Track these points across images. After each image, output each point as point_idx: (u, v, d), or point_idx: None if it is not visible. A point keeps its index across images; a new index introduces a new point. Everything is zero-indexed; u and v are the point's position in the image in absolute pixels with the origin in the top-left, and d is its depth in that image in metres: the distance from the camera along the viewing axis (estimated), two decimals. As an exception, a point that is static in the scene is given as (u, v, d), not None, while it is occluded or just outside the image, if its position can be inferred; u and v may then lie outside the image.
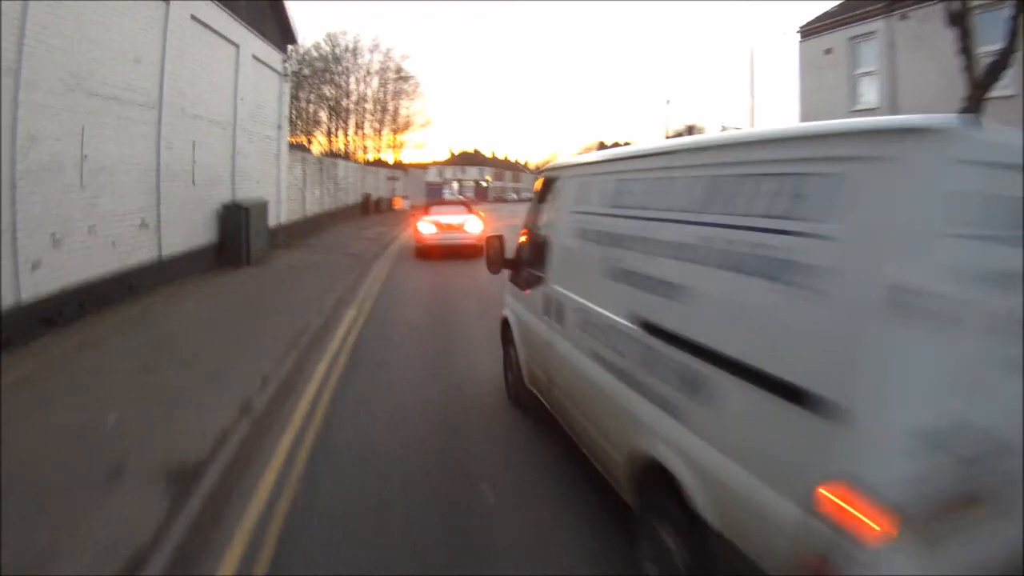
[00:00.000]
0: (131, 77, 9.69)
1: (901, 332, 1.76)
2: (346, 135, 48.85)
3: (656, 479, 2.85)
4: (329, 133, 48.18)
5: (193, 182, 11.96)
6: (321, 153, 38.50)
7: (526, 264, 5.38)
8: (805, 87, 18.57)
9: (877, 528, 1.76)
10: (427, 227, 16.21)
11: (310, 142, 44.87)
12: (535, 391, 5.10)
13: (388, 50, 62.06)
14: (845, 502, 1.82)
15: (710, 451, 2.49)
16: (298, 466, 4.69)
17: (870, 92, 16.15)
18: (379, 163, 48.86)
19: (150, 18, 10.12)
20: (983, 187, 1.82)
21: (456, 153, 76.88)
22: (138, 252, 10.03)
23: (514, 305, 5.67)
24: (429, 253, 15.84)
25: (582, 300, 3.93)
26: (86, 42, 8.46)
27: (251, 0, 14.77)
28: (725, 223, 2.56)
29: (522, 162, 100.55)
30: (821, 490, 1.89)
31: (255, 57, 15.44)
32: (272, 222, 16.96)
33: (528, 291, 5.19)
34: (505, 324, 5.87)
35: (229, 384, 6.06)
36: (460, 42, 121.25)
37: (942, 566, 1.81)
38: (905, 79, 14.71)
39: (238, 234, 13.10)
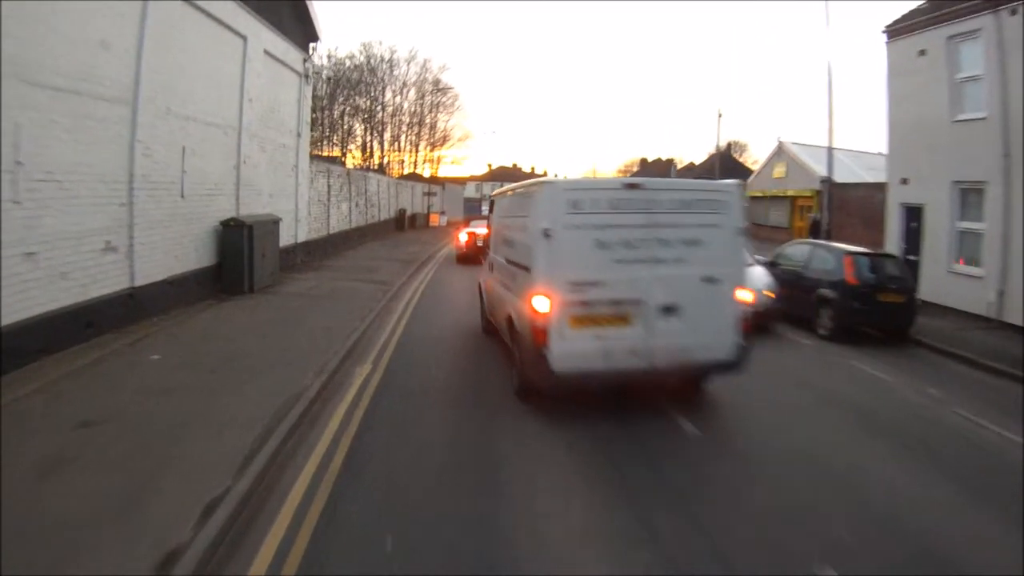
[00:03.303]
0: (94, 65, 7.72)
1: (544, 244, 5.75)
2: (381, 148, 47.50)
3: (511, 323, 6.78)
4: (364, 147, 46.89)
5: (182, 195, 9.98)
6: (355, 167, 36.93)
7: (486, 248, 9.75)
8: (894, 94, 15.68)
9: (546, 304, 5.71)
10: (465, 237, 19.95)
11: (344, 155, 43.51)
12: (490, 319, 8.87)
13: (426, 61, 61.07)
14: (536, 298, 5.77)
15: (517, 301, 6.50)
16: None
17: (975, 100, 13.25)
18: (415, 177, 47.25)
19: (121, -7, 8.19)
20: (565, 198, 5.80)
21: (494, 168, 74.73)
22: (101, 282, 8.02)
23: (481, 272, 9.76)
24: (466, 259, 19.20)
25: (497, 257, 8.13)
26: (20, 17, 6.51)
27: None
28: (516, 215, 7.12)
29: (562, 177, 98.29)
30: (529, 296, 5.91)
31: (268, 53, 13.54)
32: (288, 241, 15.02)
33: (484, 262, 9.60)
34: (479, 286, 9.90)
35: (155, 515, 3.84)
36: (501, 53, 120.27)
37: (580, 333, 5.76)
38: (1020, 84, 11.89)
39: (239, 256, 11.08)
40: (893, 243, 15.48)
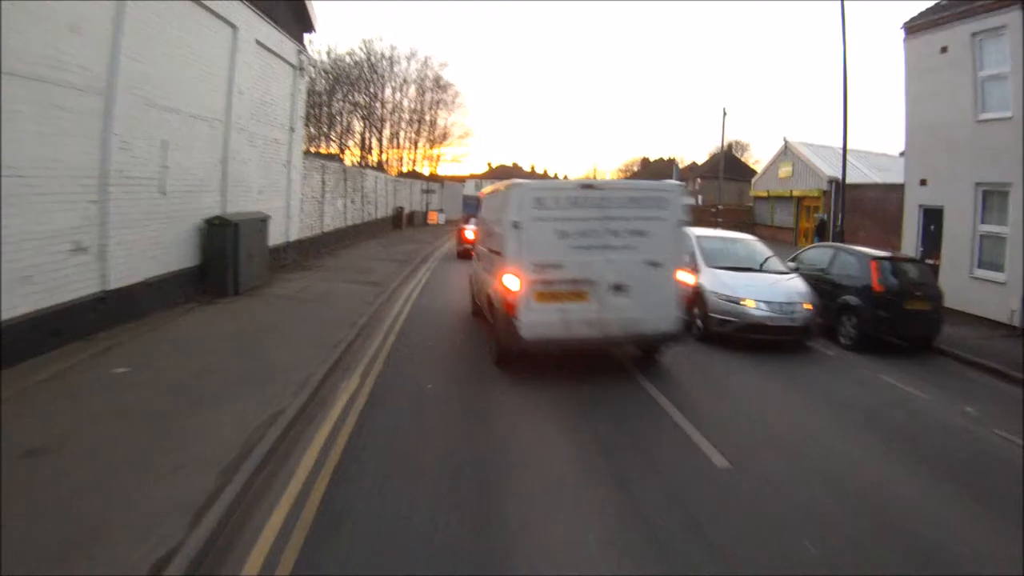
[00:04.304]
0: (64, 51, 7.08)
1: (514, 233, 7.03)
2: (380, 145, 46.82)
3: (490, 301, 7.99)
4: (363, 144, 46.21)
5: (163, 192, 9.34)
6: (353, 163, 36.24)
7: (475, 242, 11.52)
8: (913, 92, 15.06)
9: (516, 283, 7.00)
10: (465, 233, 20.38)
11: (343, 151, 42.83)
12: (478, 303, 9.84)
13: (426, 58, 60.43)
14: (507, 278, 7.09)
15: (494, 281, 7.64)
16: None
17: (1000, 98, 12.62)
18: (414, 175, 46.56)
19: (94, -27, 7.54)
20: (531, 196, 7.10)
21: (494, 166, 73.87)
22: (70, 286, 7.38)
23: (472, 263, 11.40)
24: (465, 254, 19.55)
25: (481, 247, 9.40)
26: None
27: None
28: (495, 211, 8.18)
29: (562, 176, 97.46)
30: (502, 275, 7.18)
31: (260, 43, 12.88)
32: (279, 239, 14.41)
33: (473, 254, 11.35)
34: (469, 278, 11.27)
35: (97, 570, 3.23)
36: (503, 51, 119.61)
37: (544, 307, 7.02)
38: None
39: (223, 257, 10.44)
40: (910, 246, 14.91)
